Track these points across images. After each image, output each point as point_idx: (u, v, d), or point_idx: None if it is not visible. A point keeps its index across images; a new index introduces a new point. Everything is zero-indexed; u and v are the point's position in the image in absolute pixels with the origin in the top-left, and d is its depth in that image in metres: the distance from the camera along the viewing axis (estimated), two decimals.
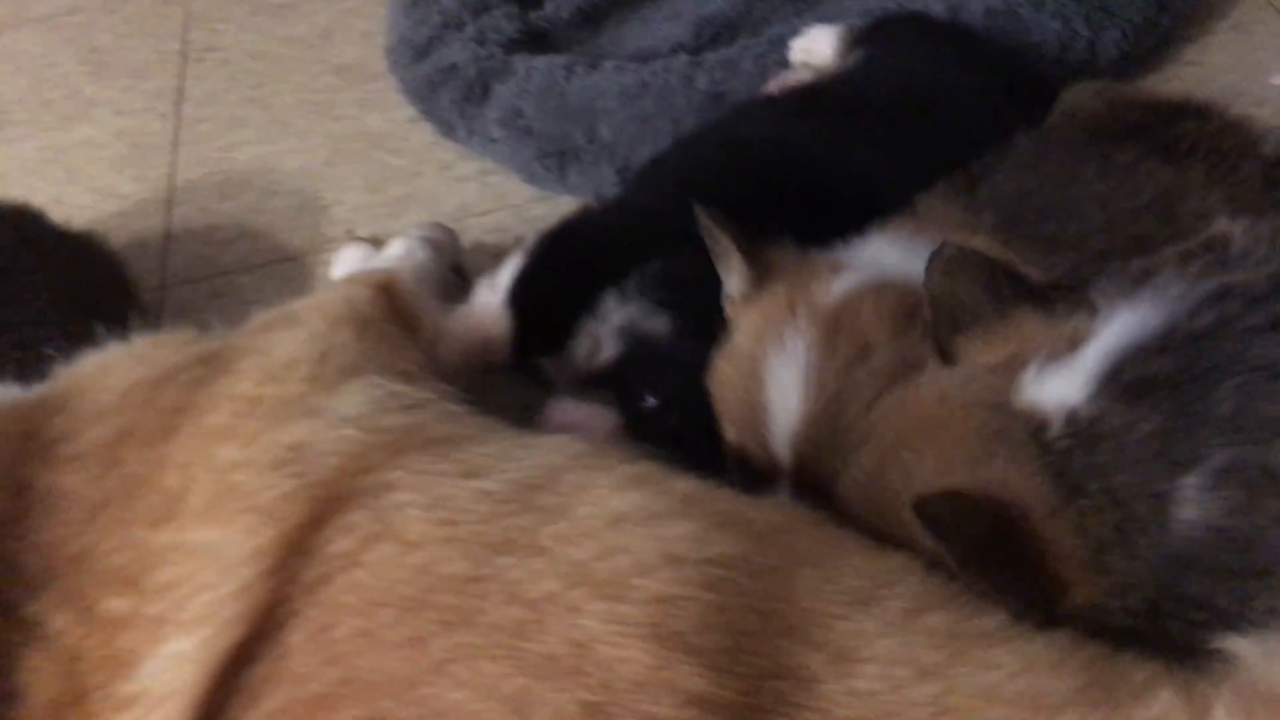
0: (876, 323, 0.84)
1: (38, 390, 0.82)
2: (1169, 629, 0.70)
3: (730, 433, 0.90)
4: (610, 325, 0.98)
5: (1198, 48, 1.47)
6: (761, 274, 0.89)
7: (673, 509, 0.74)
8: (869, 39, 1.30)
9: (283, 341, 0.84)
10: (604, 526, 0.72)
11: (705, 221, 0.89)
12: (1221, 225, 0.93)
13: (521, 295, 1.04)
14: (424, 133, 1.55)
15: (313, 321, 0.88)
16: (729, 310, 0.93)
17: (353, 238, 1.37)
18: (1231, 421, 0.70)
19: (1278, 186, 1.02)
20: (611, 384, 0.97)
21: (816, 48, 1.35)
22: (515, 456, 0.77)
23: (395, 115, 1.59)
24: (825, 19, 1.43)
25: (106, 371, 0.81)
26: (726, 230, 0.89)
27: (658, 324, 0.96)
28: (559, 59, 1.47)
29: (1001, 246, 0.92)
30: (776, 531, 0.76)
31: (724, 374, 0.90)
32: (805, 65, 1.36)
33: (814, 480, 0.84)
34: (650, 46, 1.55)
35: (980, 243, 0.90)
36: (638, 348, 0.96)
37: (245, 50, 1.76)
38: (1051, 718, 0.66)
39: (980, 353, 0.81)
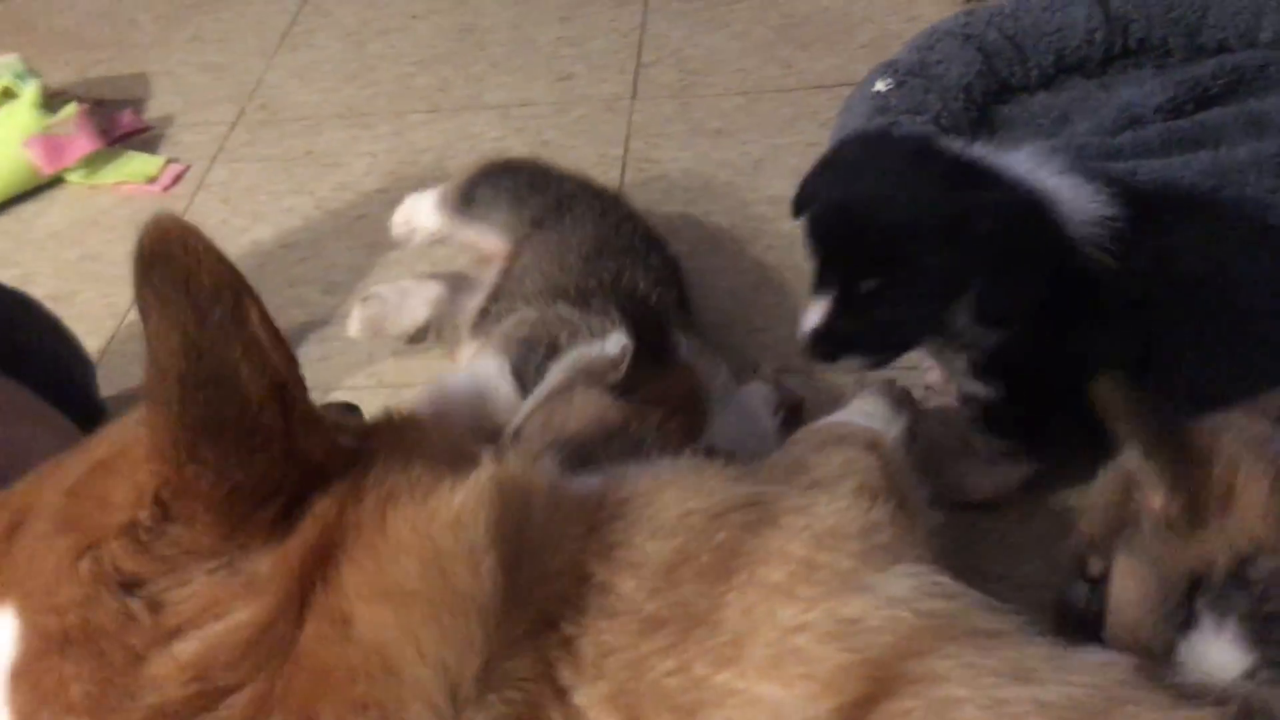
0: None
1: (593, 486, 0.89)
2: None
3: None
4: None
5: None
6: None
7: None
8: None
9: (821, 505, 0.88)
10: None
11: None
12: None
13: None
14: None
15: (842, 489, 0.93)
16: None
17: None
18: None
19: None
20: None
21: None
22: (1067, 667, 0.77)
23: None
24: None
25: (660, 488, 0.87)
26: None
27: None
28: None
29: None
30: None
31: None
32: None
33: None
34: None
35: None
36: None
37: (681, 168, 1.91)
38: None
39: None
